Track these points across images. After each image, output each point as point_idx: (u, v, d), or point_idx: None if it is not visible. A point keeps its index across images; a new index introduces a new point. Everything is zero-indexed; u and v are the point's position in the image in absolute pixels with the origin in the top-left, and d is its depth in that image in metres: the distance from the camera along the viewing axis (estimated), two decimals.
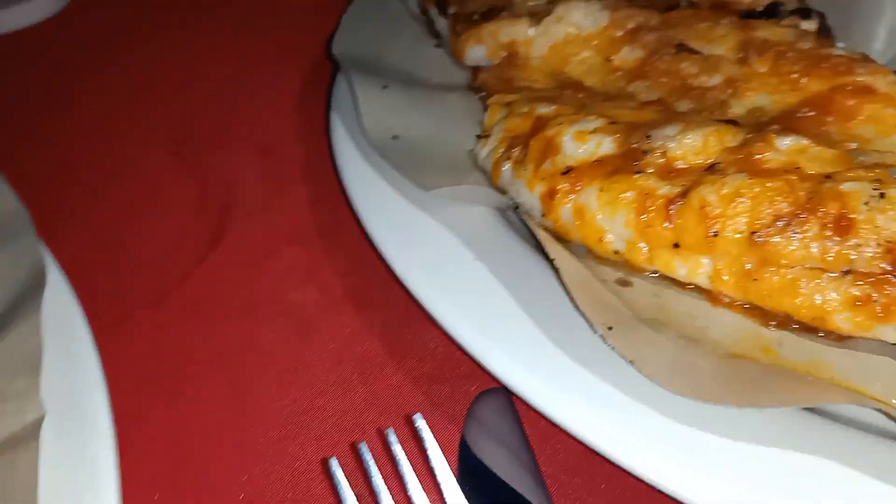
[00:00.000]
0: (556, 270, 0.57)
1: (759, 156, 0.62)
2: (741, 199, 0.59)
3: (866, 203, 0.57)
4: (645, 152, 0.65)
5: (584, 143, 0.68)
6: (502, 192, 0.71)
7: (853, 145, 0.71)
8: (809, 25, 0.87)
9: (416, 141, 0.74)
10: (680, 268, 0.62)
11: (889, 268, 0.55)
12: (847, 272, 0.57)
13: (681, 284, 0.63)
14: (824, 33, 0.87)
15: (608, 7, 0.86)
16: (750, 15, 0.89)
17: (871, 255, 0.55)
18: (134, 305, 0.73)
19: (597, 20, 0.86)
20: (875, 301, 0.55)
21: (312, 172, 0.83)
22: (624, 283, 0.65)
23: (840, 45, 0.82)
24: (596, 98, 0.80)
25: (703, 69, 0.80)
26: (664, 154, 0.65)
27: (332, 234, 0.76)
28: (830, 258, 0.56)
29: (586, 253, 0.66)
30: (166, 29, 1.08)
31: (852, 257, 0.56)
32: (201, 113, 0.93)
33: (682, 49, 0.83)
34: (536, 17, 0.87)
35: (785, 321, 0.59)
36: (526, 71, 0.85)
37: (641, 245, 0.63)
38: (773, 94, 0.76)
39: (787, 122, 0.74)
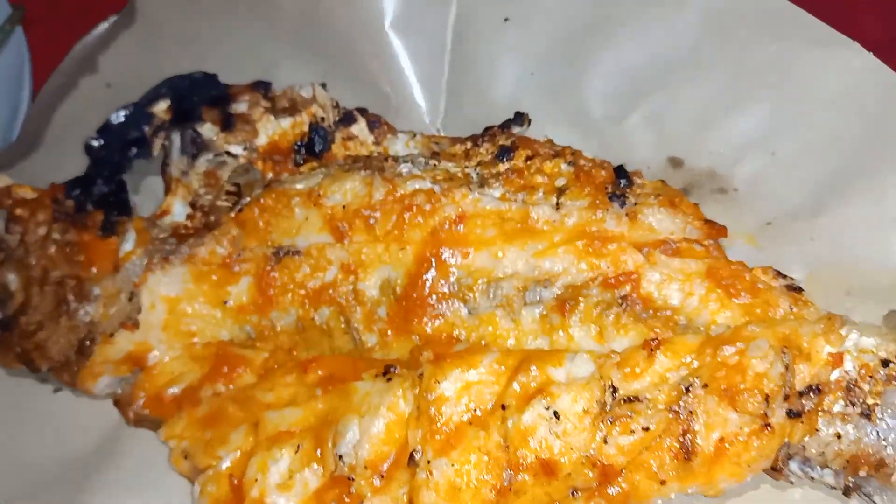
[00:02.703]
0: None
1: (440, 420, 0.64)
2: (462, 490, 0.62)
3: (552, 431, 0.61)
4: (350, 478, 0.65)
5: (292, 489, 0.67)
6: None
7: (482, 282, 0.73)
8: (359, 130, 0.85)
9: None
10: None
11: (601, 478, 0.61)
12: (574, 492, 0.62)
13: None
14: (374, 127, 0.85)
15: (185, 258, 0.79)
16: (303, 147, 0.84)
17: (587, 477, 0.61)
18: None
19: (182, 279, 0.79)
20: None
21: None
22: None
23: (397, 149, 0.81)
24: (251, 365, 0.77)
25: (313, 267, 0.78)
26: (365, 465, 0.65)
27: None
28: (558, 494, 0.62)
29: None
30: None
31: (574, 485, 0.62)
32: None
33: (281, 254, 0.79)
34: (129, 320, 0.78)
35: None
36: (163, 371, 0.79)
37: None
38: (389, 260, 0.76)
39: (417, 289, 0.75)
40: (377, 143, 0.85)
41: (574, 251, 0.71)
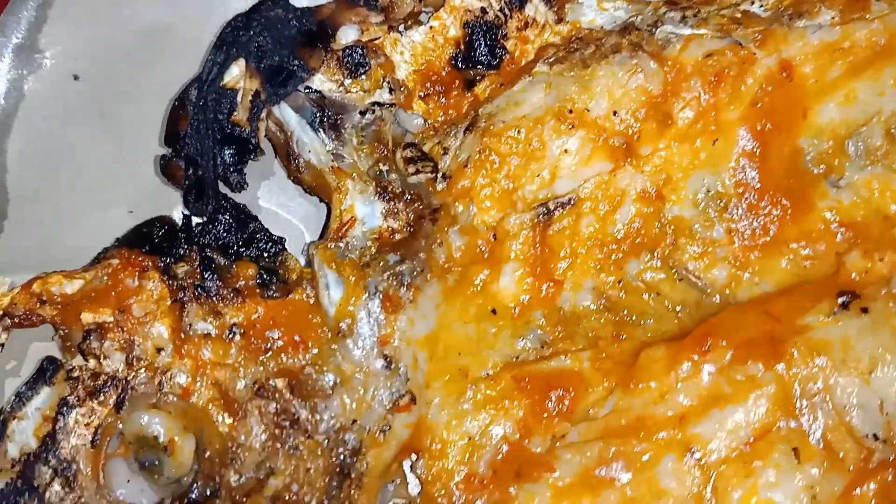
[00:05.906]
0: None
1: None
2: None
3: None
4: None
5: None
6: None
7: (834, 143, 0.54)
8: (533, 9, 0.59)
9: None
10: None
11: None
12: None
13: None
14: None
15: (432, 273, 0.52)
16: (467, 61, 0.57)
17: None
18: None
19: (434, 304, 0.52)
20: None
21: None
22: None
23: (593, 17, 0.58)
24: (583, 379, 0.53)
25: (600, 214, 0.54)
26: None
27: None
28: None
29: None
30: None
31: None
32: None
33: (550, 210, 0.54)
34: (401, 397, 0.50)
35: None
36: (452, 442, 0.52)
37: None
38: (703, 162, 0.55)
39: (756, 185, 0.54)
40: (560, 20, 0.59)
41: None
